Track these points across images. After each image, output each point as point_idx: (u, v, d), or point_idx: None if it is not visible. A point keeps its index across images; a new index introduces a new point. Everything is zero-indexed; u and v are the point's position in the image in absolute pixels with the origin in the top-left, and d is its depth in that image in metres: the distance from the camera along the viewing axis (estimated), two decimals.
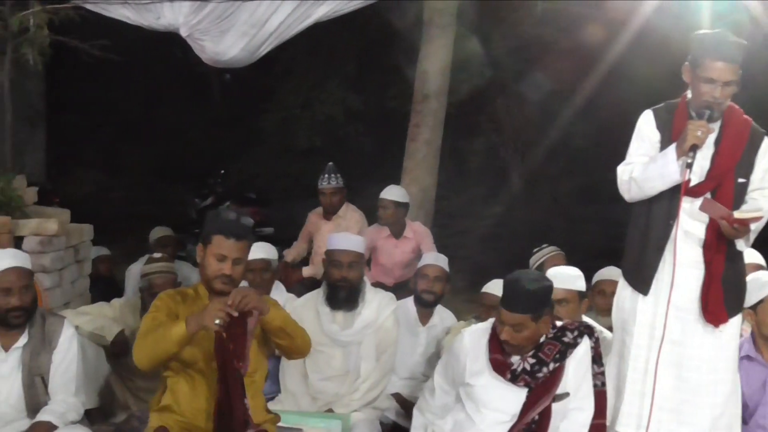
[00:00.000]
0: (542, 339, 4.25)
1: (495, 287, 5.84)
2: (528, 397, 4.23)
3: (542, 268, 6.64)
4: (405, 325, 5.94)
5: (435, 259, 6.20)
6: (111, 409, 5.71)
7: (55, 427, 4.45)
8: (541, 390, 4.22)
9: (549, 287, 4.20)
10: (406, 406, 5.60)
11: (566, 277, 4.88)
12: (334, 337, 5.49)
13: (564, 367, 4.23)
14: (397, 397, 5.71)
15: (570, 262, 5.81)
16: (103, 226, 7.74)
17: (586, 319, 4.81)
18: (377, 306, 5.55)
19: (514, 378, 4.24)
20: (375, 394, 5.54)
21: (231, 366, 4.11)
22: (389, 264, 7.80)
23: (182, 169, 15.84)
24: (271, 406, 4.81)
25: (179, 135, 17.42)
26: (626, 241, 4.41)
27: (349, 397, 5.46)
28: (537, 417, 4.22)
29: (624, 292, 4.37)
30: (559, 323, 4.34)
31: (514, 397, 4.26)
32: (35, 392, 4.59)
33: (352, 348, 5.51)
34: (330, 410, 5.42)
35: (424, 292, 6.07)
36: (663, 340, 4.16)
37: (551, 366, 4.21)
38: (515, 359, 4.25)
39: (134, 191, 14.53)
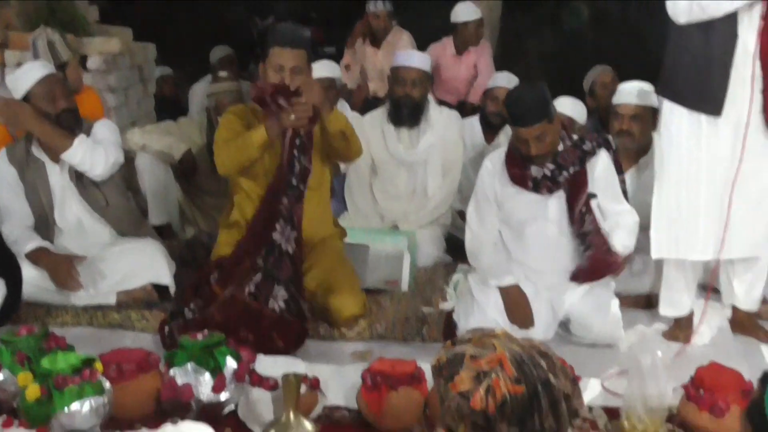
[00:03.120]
0: (561, 147, 4.28)
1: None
2: (568, 201, 4.29)
3: (594, 87, 6.54)
4: (470, 144, 5.92)
5: (507, 81, 6.08)
6: (181, 226, 5.83)
7: (70, 140, 4.60)
8: (575, 190, 4.28)
9: (544, 86, 4.23)
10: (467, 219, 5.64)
11: (638, 93, 4.79)
12: (399, 157, 5.50)
13: (587, 171, 4.28)
14: (462, 214, 5.73)
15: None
16: (164, 46, 7.72)
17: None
18: (443, 125, 5.53)
19: (537, 186, 4.30)
20: (441, 212, 5.58)
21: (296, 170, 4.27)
22: (453, 82, 7.74)
23: None
24: (339, 222, 4.88)
25: None
26: (674, 66, 4.17)
27: (415, 215, 5.51)
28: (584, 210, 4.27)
29: (678, 118, 4.12)
30: (575, 136, 4.39)
31: (550, 204, 4.33)
32: (91, 194, 4.74)
33: (417, 167, 5.53)
34: (395, 227, 5.49)
35: (492, 114, 6.02)
36: (742, 159, 4.05)
37: (571, 170, 4.27)
38: (534, 169, 4.29)
39: (194, 11, 14.36)
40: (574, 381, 1.80)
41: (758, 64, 3.94)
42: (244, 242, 4.35)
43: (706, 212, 4.11)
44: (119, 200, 4.81)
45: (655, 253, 4.25)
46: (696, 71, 4.03)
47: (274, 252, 4.29)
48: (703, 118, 4.04)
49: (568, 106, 5.48)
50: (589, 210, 4.29)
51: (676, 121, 4.10)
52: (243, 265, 4.25)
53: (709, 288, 4.27)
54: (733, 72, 3.96)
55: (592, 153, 4.32)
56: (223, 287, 4.20)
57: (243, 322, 4.10)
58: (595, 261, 4.29)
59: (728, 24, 3.94)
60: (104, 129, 4.79)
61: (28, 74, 4.64)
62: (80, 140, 4.60)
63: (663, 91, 4.20)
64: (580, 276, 4.31)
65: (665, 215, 4.18)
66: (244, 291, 4.18)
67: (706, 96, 4.02)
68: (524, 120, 4.16)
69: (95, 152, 4.63)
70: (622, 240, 4.32)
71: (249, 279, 4.21)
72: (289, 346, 4.14)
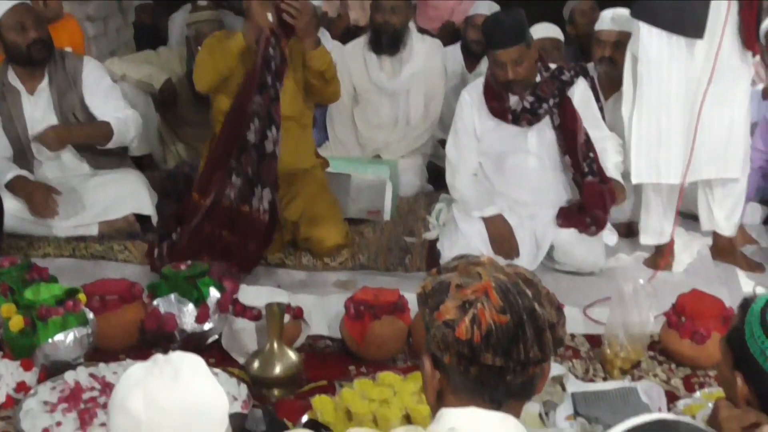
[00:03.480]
0: (538, 79, 4.26)
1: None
2: (564, 133, 4.28)
3: (574, 15, 6.49)
4: (451, 73, 5.89)
5: (489, 8, 6.01)
6: (162, 157, 5.79)
7: (110, 130, 4.62)
8: (566, 121, 4.26)
9: (521, 11, 4.20)
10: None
11: (621, 19, 4.76)
12: (381, 86, 5.46)
13: (569, 100, 4.26)
14: (443, 143, 5.71)
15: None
16: None
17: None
18: (425, 54, 5.49)
19: (516, 119, 4.29)
20: (422, 141, 5.56)
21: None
22: (436, 7, 7.65)
23: None
24: (320, 152, 4.86)
25: None
26: None
27: (397, 144, 5.49)
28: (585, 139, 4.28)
29: (657, 42, 4.06)
30: (553, 66, 4.35)
31: (530, 136, 4.32)
32: None
33: (399, 96, 5.50)
34: (377, 157, 5.47)
35: (473, 42, 5.96)
36: (711, 80, 4.04)
37: (551, 101, 4.25)
38: (513, 101, 4.28)
39: None
40: (559, 309, 1.81)
41: None
42: (217, 144, 4.30)
43: (680, 135, 4.12)
44: None
45: (634, 178, 4.25)
46: None
47: (249, 151, 4.21)
48: (682, 41, 4.02)
49: (550, 30, 5.49)
50: (591, 147, 4.28)
51: (655, 45, 4.07)
52: (218, 170, 4.22)
53: (676, 212, 4.28)
54: None
55: (571, 83, 4.31)
56: (205, 196, 4.19)
57: (229, 227, 4.13)
58: (592, 194, 4.27)
59: None
60: (106, 84, 4.76)
61: None
62: (116, 124, 4.61)
63: (640, 13, 4.13)
64: (576, 216, 4.29)
65: (644, 140, 4.17)
66: (224, 195, 4.18)
67: (687, 18, 3.99)
68: (503, 42, 4.12)
69: (128, 125, 4.67)
70: (613, 161, 4.35)
71: (229, 183, 4.18)
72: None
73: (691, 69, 4.04)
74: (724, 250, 4.42)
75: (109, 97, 4.74)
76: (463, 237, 4.25)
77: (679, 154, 4.14)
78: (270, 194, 4.21)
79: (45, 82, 4.64)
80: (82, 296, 3.35)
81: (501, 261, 1.93)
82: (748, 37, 4.03)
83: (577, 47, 6.27)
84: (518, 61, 4.14)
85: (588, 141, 4.27)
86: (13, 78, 4.64)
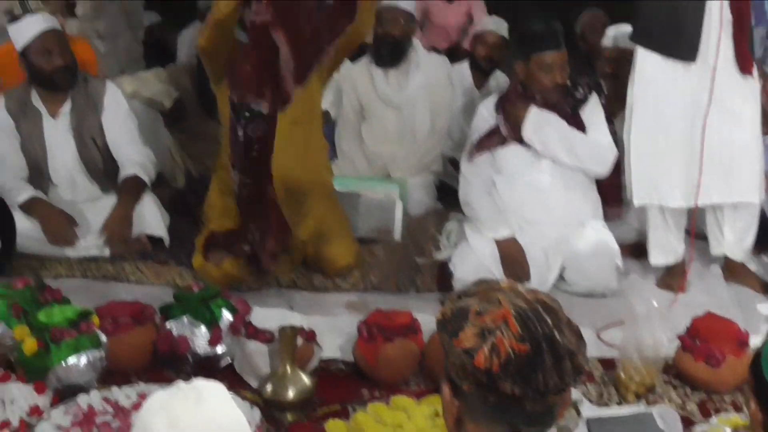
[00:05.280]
0: None
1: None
2: None
3: (585, 30, 6.50)
4: (460, 89, 5.89)
5: (496, 25, 6.06)
6: (172, 174, 5.79)
7: (143, 182, 4.65)
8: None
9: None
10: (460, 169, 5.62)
11: (624, 35, 4.77)
12: (388, 99, 5.46)
13: (580, 120, 4.27)
14: (452, 161, 5.72)
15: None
16: None
17: None
18: (431, 68, 5.50)
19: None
20: (431, 158, 5.56)
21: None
22: (443, 26, 7.67)
23: None
24: None
25: None
26: (645, 10, 4.15)
27: (405, 161, 5.49)
28: None
29: (652, 64, 4.12)
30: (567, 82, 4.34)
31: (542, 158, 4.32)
32: (89, 154, 4.70)
33: (406, 111, 5.48)
34: (387, 175, 5.47)
35: (482, 58, 5.98)
36: (711, 102, 4.04)
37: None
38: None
39: None
40: (580, 336, 1.80)
41: (727, 6, 3.93)
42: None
43: (681, 157, 4.12)
44: (115, 164, 4.76)
45: (636, 200, 4.25)
46: (669, 16, 4.02)
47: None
48: (677, 64, 4.03)
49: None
50: None
51: (649, 67, 4.11)
52: None
53: (692, 236, 4.25)
54: (706, 16, 3.95)
55: (584, 100, 4.31)
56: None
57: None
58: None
59: None
60: (125, 114, 4.78)
61: (27, 28, 4.58)
62: (141, 173, 4.65)
63: (636, 37, 4.19)
64: None
65: (641, 161, 4.19)
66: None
67: (680, 41, 4.03)
68: (553, 43, 4.14)
69: (148, 168, 4.73)
70: None
71: None
72: None
73: (689, 91, 4.06)
74: (736, 272, 4.39)
75: (125, 129, 4.74)
76: (474, 256, 4.23)
77: (681, 175, 4.14)
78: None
79: (67, 106, 4.65)
80: (95, 318, 3.35)
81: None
82: (742, 60, 4.04)
83: (588, 62, 6.28)
84: (563, 66, 4.16)
85: None
86: (36, 100, 4.65)
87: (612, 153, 4.30)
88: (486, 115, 4.40)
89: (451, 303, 1.83)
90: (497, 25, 6.06)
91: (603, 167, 4.29)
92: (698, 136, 4.06)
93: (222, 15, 3.99)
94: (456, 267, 4.26)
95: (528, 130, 4.20)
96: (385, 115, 5.51)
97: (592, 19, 6.52)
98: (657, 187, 4.18)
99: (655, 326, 3.35)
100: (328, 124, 5.54)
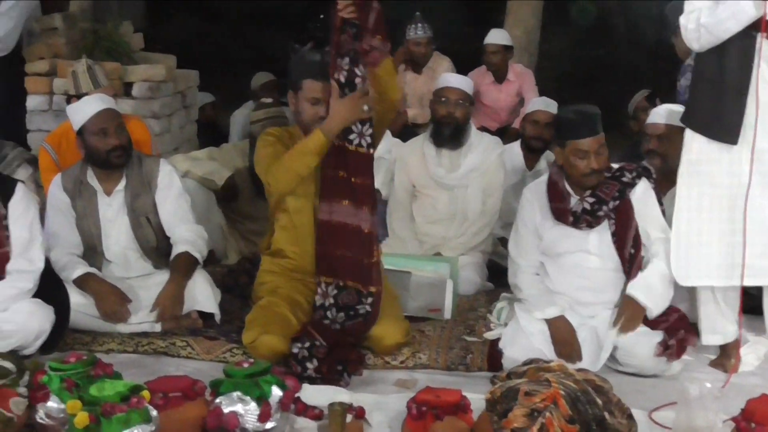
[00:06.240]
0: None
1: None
2: (616, 235, 4.28)
3: (636, 111, 6.52)
4: (511, 170, 5.92)
5: (546, 105, 6.12)
6: (223, 252, 5.85)
7: (195, 259, 4.69)
8: (621, 226, 4.27)
9: (594, 106, 4.31)
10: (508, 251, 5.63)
11: (668, 113, 4.78)
12: (439, 180, 5.51)
13: (630, 202, 4.28)
14: (503, 241, 5.72)
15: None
16: (203, 72, 7.79)
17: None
18: (483, 149, 5.55)
19: (577, 221, 4.29)
20: (481, 238, 5.57)
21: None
22: (494, 108, 7.74)
23: (279, 14, 15.71)
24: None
25: None
26: (692, 93, 4.25)
27: (456, 241, 5.51)
28: (633, 251, 4.27)
29: (698, 145, 4.14)
30: (615, 165, 4.37)
31: (591, 237, 4.31)
32: (143, 231, 4.75)
33: (458, 191, 5.53)
34: (438, 254, 5.48)
35: (533, 138, 6.05)
36: (750, 184, 4.04)
37: (611, 204, 4.26)
38: (573, 202, 4.29)
39: (231, 37, 14.46)
40: (630, 418, 1.79)
41: (765, 90, 3.96)
42: None
43: (724, 237, 4.10)
44: (168, 241, 4.82)
45: (679, 281, 4.23)
46: (712, 99, 4.06)
47: None
48: (721, 145, 4.05)
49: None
50: (638, 249, 4.28)
51: (695, 148, 4.15)
52: None
53: (740, 315, 4.22)
54: (750, 99, 3.97)
55: (632, 184, 4.32)
56: None
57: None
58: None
59: (743, 50, 3.95)
60: (177, 192, 4.84)
61: (84, 108, 4.70)
62: (193, 250, 4.69)
63: (685, 118, 4.24)
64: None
65: (684, 241, 4.18)
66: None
67: (722, 124, 4.06)
68: (590, 129, 4.19)
69: (199, 245, 4.76)
70: (654, 270, 4.30)
71: None
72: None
73: (734, 172, 4.05)
74: None
75: (179, 208, 4.81)
76: (525, 336, 4.22)
77: (724, 255, 4.11)
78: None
79: (122, 185, 4.73)
80: (146, 393, 3.36)
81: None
82: None
83: (639, 143, 6.29)
84: (600, 151, 4.19)
85: (634, 254, 4.29)
86: (91, 178, 4.73)
87: (671, 290, 4.29)
88: (531, 199, 4.43)
89: (500, 383, 1.84)
90: (546, 105, 6.11)
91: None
92: (740, 215, 4.06)
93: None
94: (506, 346, 4.25)
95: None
96: (436, 194, 5.55)
97: (644, 100, 6.57)
98: (700, 267, 4.16)
99: (708, 408, 3.30)
100: (379, 203, 5.59)
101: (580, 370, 1.84)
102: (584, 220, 4.28)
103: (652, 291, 4.24)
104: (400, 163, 5.59)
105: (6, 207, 4.27)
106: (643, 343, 4.17)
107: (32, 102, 6.52)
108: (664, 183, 4.70)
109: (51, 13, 6.74)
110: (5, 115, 5.86)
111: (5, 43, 6.32)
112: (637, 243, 4.29)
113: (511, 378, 1.82)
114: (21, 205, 4.31)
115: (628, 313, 4.22)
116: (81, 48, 6.51)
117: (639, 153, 5.89)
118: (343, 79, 4.21)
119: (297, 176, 4.28)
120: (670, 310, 4.30)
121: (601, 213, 4.26)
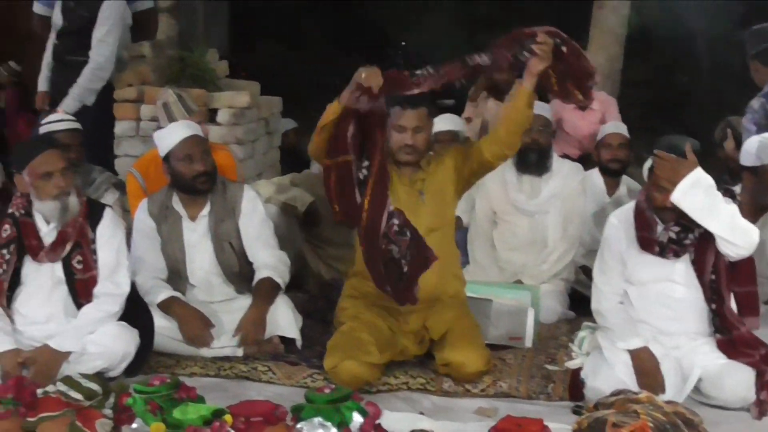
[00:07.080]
0: None
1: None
2: (695, 264, 4.20)
3: (722, 140, 6.42)
4: (591, 196, 5.88)
5: (615, 127, 6.19)
6: (304, 278, 5.88)
7: (277, 284, 4.72)
8: (701, 254, 4.18)
9: None
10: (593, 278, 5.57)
11: (758, 148, 4.72)
12: (520, 207, 5.50)
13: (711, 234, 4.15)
14: (585, 269, 5.67)
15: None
16: (286, 98, 7.87)
17: None
18: (564, 175, 5.55)
19: (663, 250, 4.22)
20: (562, 265, 5.54)
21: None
22: (575, 135, 7.68)
23: (361, 40, 15.84)
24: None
25: (358, 5, 17.29)
26: None
27: (537, 268, 5.49)
28: (714, 277, 4.19)
29: None
30: None
31: (677, 266, 4.24)
32: (226, 257, 4.81)
33: (538, 218, 5.52)
34: (519, 281, 5.45)
35: (609, 161, 6.05)
36: None
37: (696, 232, 4.17)
38: (659, 231, 4.22)
39: (314, 63, 14.61)
40: None
41: None
42: None
43: None
44: (250, 267, 4.87)
45: None
46: None
47: None
48: None
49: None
50: (719, 276, 4.19)
51: None
52: None
53: None
54: None
55: None
56: None
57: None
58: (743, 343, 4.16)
59: None
60: (260, 218, 4.89)
61: (171, 134, 4.78)
62: (275, 275, 4.74)
63: None
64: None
65: None
66: None
67: None
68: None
69: (281, 270, 4.81)
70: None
71: None
72: None
73: None
74: None
75: (262, 233, 4.85)
76: (608, 367, 4.15)
77: None
78: None
79: (206, 210, 4.79)
80: (228, 417, 3.40)
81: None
82: None
83: (727, 171, 6.20)
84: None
85: (714, 285, 4.20)
86: (176, 203, 4.81)
87: (756, 233, 4.14)
88: (617, 226, 4.37)
89: (587, 414, 1.81)
90: (617, 127, 6.16)
91: (747, 245, 4.14)
92: None
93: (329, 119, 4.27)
94: (588, 376, 4.19)
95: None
96: (517, 221, 5.54)
97: (728, 128, 6.46)
98: None
99: None
100: (460, 230, 5.58)
101: (669, 402, 1.80)
102: (670, 249, 4.22)
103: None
104: (481, 190, 5.57)
105: (94, 231, 4.36)
106: (730, 375, 4.08)
107: (120, 128, 6.66)
108: (752, 216, 4.62)
109: (139, 41, 6.88)
110: (94, 140, 5.99)
111: (106, 71, 6.46)
112: (717, 269, 4.20)
113: (599, 408, 1.80)
114: (108, 230, 4.40)
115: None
116: (168, 75, 6.65)
117: (725, 179, 5.83)
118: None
119: (321, 139, 4.43)
120: (756, 343, 4.20)
121: (687, 242, 4.20)
